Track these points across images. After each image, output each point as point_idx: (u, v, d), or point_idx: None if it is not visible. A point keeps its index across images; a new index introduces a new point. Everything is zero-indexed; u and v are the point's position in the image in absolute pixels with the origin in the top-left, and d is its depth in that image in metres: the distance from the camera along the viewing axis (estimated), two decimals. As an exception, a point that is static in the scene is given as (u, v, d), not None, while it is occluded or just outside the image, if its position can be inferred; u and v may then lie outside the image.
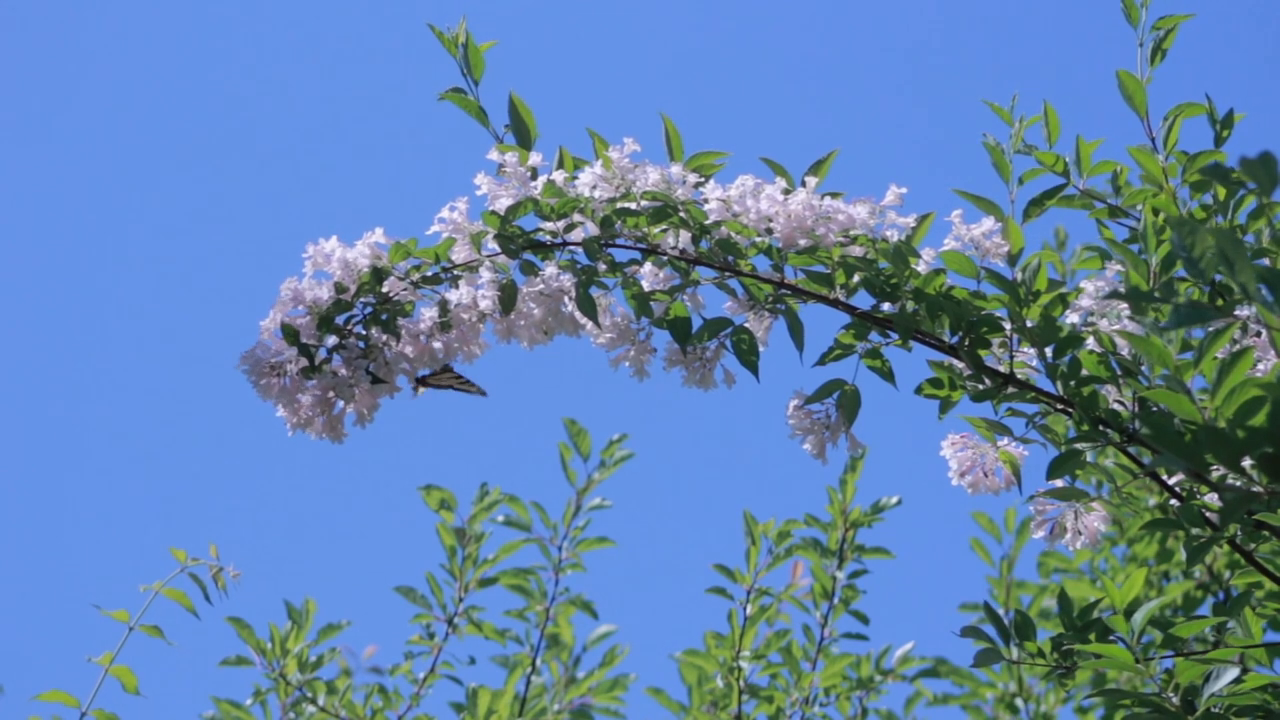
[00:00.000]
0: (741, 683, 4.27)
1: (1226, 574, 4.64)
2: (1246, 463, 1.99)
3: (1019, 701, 4.80)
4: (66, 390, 7.36)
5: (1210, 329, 2.12)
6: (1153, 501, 4.46)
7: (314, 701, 4.39)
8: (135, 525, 6.99)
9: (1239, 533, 2.59)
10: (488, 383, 2.70)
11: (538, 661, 4.62)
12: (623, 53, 7.58)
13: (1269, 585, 3.00)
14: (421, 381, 2.64)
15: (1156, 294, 1.94)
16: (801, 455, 2.62)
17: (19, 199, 7.43)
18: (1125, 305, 2.52)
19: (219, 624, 4.44)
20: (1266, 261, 2.60)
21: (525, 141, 2.64)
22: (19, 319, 7.43)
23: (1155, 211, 2.71)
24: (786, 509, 4.43)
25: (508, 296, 2.55)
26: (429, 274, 2.59)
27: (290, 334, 2.55)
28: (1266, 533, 2.55)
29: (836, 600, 4.37)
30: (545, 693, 4.68)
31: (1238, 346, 2.35)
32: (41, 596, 6.92)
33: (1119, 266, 2.66)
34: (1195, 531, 2.47)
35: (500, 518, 4.62)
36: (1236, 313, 2.48)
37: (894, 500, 4.36)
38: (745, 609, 4.30)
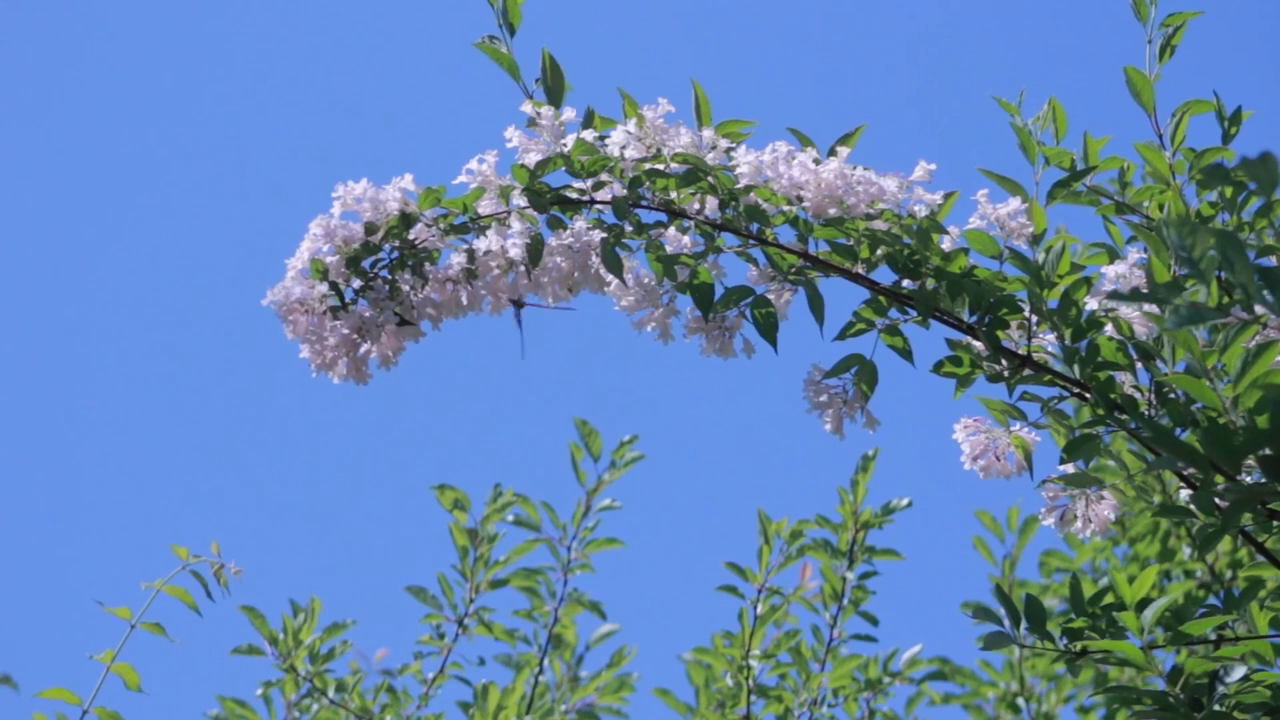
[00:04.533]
0: (750, 682, 4.28)
1: (1228, 574, 4.66)
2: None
3: (1021, 701, 4.81)
4: (71, 385, 7.37)
5: (1228, 321, 2.13)
6: (1156, 500, 4.49)
7: (325, 694, 4.41)
8: (143, 523, 7.01)
9: (1251, 523, 2.59)
10: (498, 381, 2.73)
11: (545, 662, 4.63)
12: (644, 27, 7.62)
13: (1271, 584, 3.02)
14: (517, 303, 2.66)
15: (1160, 293, 1.96)
16: (812, 456, 2.65)
17: (19, 186, 7.46)
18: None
19: (222, 622, 4.46)
20: (1273, 260, 2.61)
21: (556, 99, 2.65)
22: (24, 314, 7.45)
23: (1161, 208, 2.73)
24: (795, 510, 4.44)
25: (535, 249, 2.56)
26: (456, 223, 2.60)
27: (320, 270, 2.56)
28: (1278, 523, 2.56)
29: (846, 601, 4.38)
30: (549, 692, 4.69)
31: (1262, 338, 2.37)
32: (44, 593, 6.93)
33: (1141, 253, 2.69)
34: (1207, 520, 2.47)
35: (511, 518, 4.64)
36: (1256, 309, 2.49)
37: (905, 502, 4.37)
38: (756, 608, 4.31)
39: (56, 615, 6.75)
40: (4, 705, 3.66)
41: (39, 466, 7.32)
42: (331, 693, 4.41)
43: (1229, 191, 2.67)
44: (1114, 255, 2.71)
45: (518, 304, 2.65)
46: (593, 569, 4.66)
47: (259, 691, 4.45)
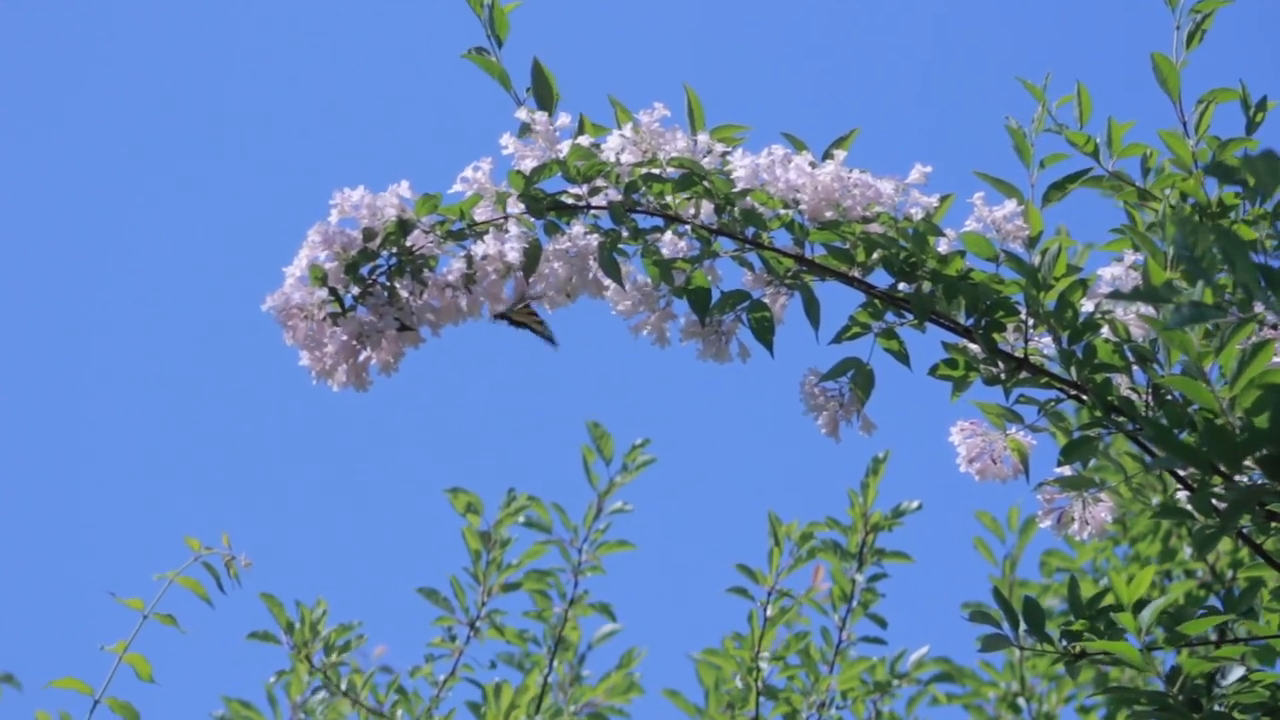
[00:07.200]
0: (759, 684, 4.28)
1: (1229, 574, 4.66)
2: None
3: (1021, 701, 4.81)
4: (84, 378, 7.39)
5: (1228, 320, 2.13)
6: (1156, 500, 4.50)
7: (337, 686, 4.42)
8: (153, 523, 7.02)
9: (1249, 524, 2.59)
10: (513, 385, 2.75)
11: (554, 663, 4.64)
12: (635, 32, 7.62)
13: (1272, 583, 3.02)
14: (501, 316, 2.67)
15: (1160, 291, 1.96)
16: (821, 459, 2.66)
17: (25, 189, 7.49)
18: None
19: (233, 615, 4.47)
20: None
21: (546, 106, 2.65)
22: (35, 310, 7.48)
23: (1184, 196, 2.72)
24: (805, 512, 4.45)
25: (533, 254, 2.57)
26: (454, 229, 2.60)
27: (318, 276, 2.57)
28: (1277, 524, 2.56)
29: (855, 604, 4.38)
30: (551, 691, 4.69)
31: (1258, 338, 2.37)
32: (56, 584, 6.95)
33: (1135, 256, 2.69)
34: (1205, 522, 2.46)
35: (523, 520, 4.65)
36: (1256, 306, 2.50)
37: (915, 504, 4.36)
38: (765, 610, 4.32)
39: (69, 606, 6.78)
40: (15, 696, 3.70)
41: (52, 459, 7.35)
42: (344, 685, 4.43)
43: (1251, 180, 2.66)
44: (1134, 245, 2.70)
45: (514, 321, 2.67)
46: (603, 571, 4.67)
47: (271, 680, 4.46)
